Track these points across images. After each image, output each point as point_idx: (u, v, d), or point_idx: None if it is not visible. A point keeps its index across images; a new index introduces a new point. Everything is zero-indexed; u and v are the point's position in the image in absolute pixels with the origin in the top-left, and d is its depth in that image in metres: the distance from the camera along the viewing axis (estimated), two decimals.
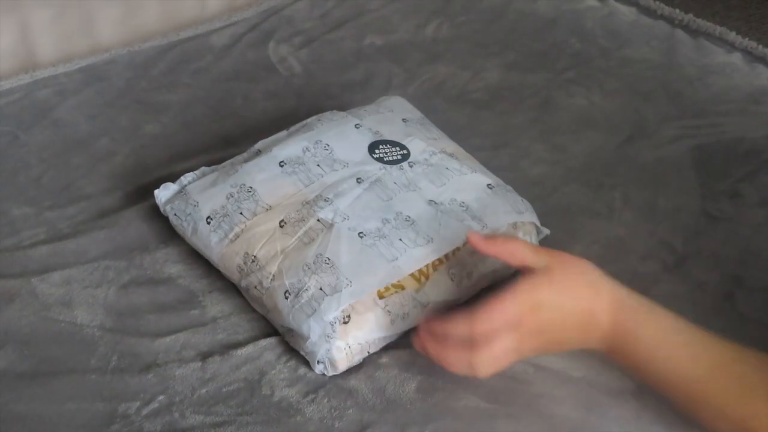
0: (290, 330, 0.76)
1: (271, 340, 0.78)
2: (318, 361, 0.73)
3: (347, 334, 0.73)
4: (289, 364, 0.76)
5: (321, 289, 0.74)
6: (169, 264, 0.86)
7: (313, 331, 0.73)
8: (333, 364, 0.73)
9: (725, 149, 1.03)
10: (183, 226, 0.84)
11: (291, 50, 1.20)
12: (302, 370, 0.75)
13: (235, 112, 1.09)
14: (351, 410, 0.72)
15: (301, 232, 0.78)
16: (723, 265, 0.88)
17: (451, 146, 0.91)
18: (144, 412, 0.71)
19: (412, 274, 0.77)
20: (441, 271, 0.79)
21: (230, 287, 0.83)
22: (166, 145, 1.02)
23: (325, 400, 0.72)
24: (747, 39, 1.24)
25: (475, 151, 0.94)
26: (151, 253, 0.87)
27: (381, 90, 1.13)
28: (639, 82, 1.16)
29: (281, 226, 0.79)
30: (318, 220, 0.79)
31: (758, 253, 0.90)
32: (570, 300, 0.68)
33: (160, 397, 0.72)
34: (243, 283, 0.80)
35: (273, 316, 0.78)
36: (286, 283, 0.76)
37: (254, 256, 0.78)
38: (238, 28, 1.24)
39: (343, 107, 1.09)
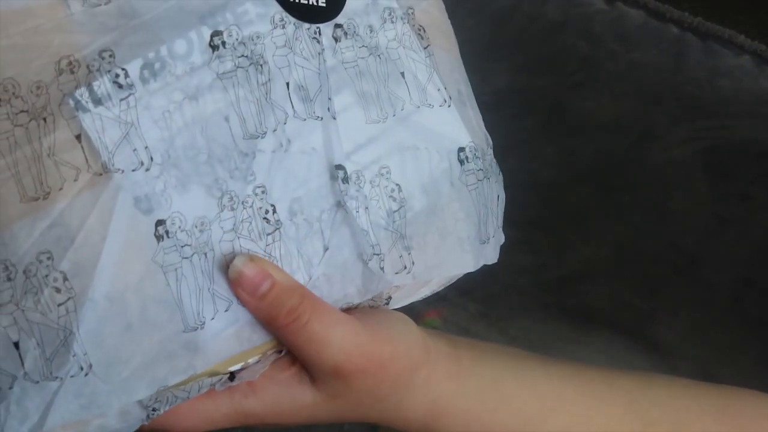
0: None
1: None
2: None
3: None
4: None
5: (16, 346, 0.33)
6: None
7: None
8: None
9: (735, 151, 1.03)
10: None
11: None
12: None
13: None
14: None
15: (27, 150, 0.33)
16: (733, 267, 0.88)
17: (427, 4, 0.45)
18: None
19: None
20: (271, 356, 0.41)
21: None
22: None
23: None
24: (756, 42, 1.24)
25: None
26: None
27: None
28: (648, 85, 1.15)
29: None
30: (77, 139, 0.33)
31: None
32: (337, 422, 0.42)
33: None
34: None
35: None
36: None
37: None
38: None
39: None
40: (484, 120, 1.08)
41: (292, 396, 0.39)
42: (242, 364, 0.38)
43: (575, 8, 1.33)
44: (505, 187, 0.98)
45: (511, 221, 0.98)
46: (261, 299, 0.36)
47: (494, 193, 0.47)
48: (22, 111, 0.32)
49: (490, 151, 0.48)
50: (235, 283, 0.36)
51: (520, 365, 0.44)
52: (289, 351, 0.39)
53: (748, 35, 1.27)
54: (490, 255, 0.46)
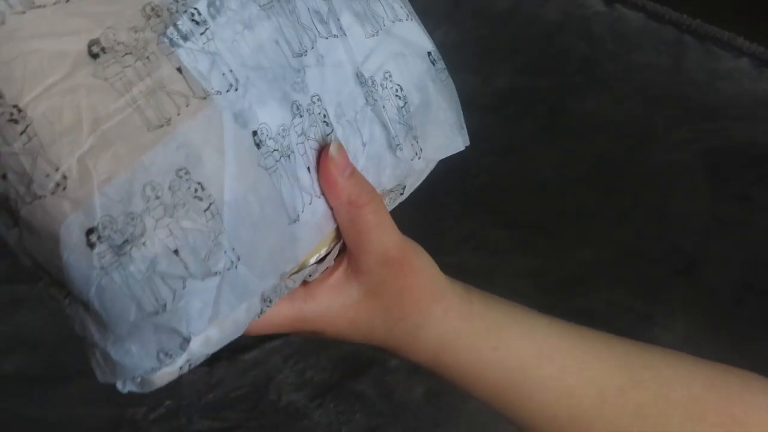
0: (77, 302, 0.39)
1: (279, 344, 0.78)
2: (123, 378, 0.40)
3: (196, 341, 0.41)
4: (296, 368, 0.76)
5: (176, 253, 0.37)
6: None
7: (140, 341, 0.39)
8: (146, 383, 0.41)
9: (734, 153, 1.03)
10: None
11: None
12: (309, 374, 0.75)
13: None
14: (358, 415, 0.72)
15: (141, 87, 0.37)
16: (733, 269, 0.88)
17: None
18: (151, 417, 0.71)
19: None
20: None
21: None
22: None
23: (332, 405, 0.72)
24: (755, 44, 1.24)
25: (484, 156, 0.94)
26: None
27: None
28: (647, 87, 1.15)
29: (93, 55, 0.37)
30: (179, 71, 0.38)
31: None
32: (368, 339, 0.48)
33: (167, 402, 0.72)
34: None
35: (29, 245, 0.38)
36: (96, 207, 0.36)
37: (18, 108, 0.36)
38: None
39: None
40: (484, 122, 1.08)
41: (341, 296, 0.45)
42: (317, 255, 0.44)
43: (574, 10, 1.33)
44: (505, 189, 0.98)
45: (510, 223, 0.98)
46: (348, 179, 0.43)
47: (448, 86, 0.52)
48: (126, 54, 0.37)
49: (440, 57, 0.53)
50: (330, 163, 0.42)
51: (525, 317, 0.48)
52: (345, 242, 0.45)
53: (747, 37, 1.27)
54: (467, 138, 0.52)
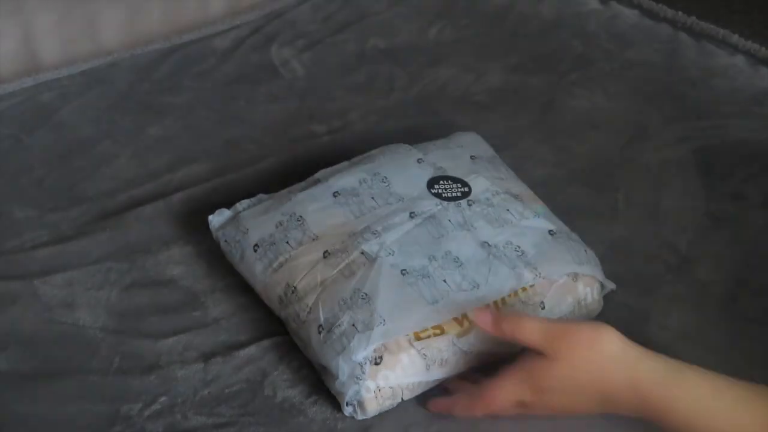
0: (324, 368, 0.72)
1: (274, 340, 0.78)
2: (347, 403, 0.70)
3: (377, 375, 0.69)
4: (291, 365, 0.76)
5: (353, 325, 0.70)
6: (171, 265, 0.86)
7: (341, 370, 0.69)
8: (362, 406, 0.70)
9: (729, 151, 1.03)
10: (232, 252, 0.81)
11: (294, 53, 1.20)
12: (305, 370, 0.75)
13: (238, 115, 1.09)
14: None
15: (342, 264, 0.75)
16: (727, 266, 0.88)
17: (518, 188, 0.87)
18: (146, 413, 0.71)
19: (454, 318, 0.73)
20: None
21: (232, 288, 0.83)
22: (168, 148, 1.02)
23: (328, 402, 0.72)
24: (750, 41, 1.24)
25: None
26: (154, 254, 0.87)
27: (383, 93, 1.13)
28: (642, 84, 1.16)
29: (325, 257, 0.76)
30: (362, 253, 0.75)
31: (762, 254, 0.89)
32: (579, 388, 0.66)
33: (162, 399, 0.72)
34: (283, 314, 0.77)
35: (308, 351, 0.74)
36: (321, 317, 0.72)
37: (294, 287, 0.75)
38: (241, 31, 1.24)
39: (345, 111, 1.09)
40: (478, 119, 1.07)
41: (542, 368, 0.66)
42: (457, 329, 0.73)
43: (569, 7, 1.33)
44: None
45: None
46: (493, 321, 0.70)
47: (572, 244, 0.82)
48: (339, 253, 0.76)
49: (567, 233, 0.83)
50: (478, 319, 0.71)
51: (688, 365, 0.65)
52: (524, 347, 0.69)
53: (742, 35, 1.27)
54: (589, 269, 0.80)
